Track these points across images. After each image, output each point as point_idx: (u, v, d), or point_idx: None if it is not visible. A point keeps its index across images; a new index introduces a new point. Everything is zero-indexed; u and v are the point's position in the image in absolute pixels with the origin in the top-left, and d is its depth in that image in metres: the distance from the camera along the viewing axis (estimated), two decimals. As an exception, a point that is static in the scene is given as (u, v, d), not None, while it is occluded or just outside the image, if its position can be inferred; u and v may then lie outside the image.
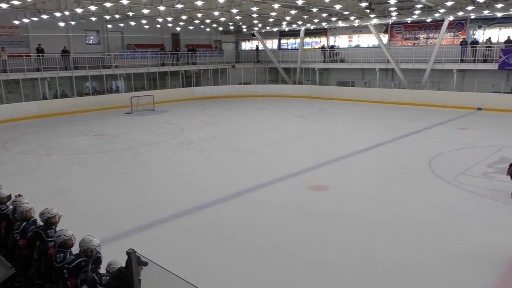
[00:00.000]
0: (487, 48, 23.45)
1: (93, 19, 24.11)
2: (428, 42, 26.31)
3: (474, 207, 8.79)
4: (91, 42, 28.11)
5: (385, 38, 27.90)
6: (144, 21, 25.86)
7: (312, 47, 32.69)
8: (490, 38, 23.97)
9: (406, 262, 6.51)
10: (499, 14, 21.49)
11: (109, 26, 27.68)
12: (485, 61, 23.34)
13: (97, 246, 4.27)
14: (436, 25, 25.01)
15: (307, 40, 32.30)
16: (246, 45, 37.36)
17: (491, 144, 14.33)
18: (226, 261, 6.63)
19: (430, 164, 12.02)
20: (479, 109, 22.41)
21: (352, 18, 24.67)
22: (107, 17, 25.05)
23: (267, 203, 9.15)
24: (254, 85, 32.21)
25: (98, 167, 12.30)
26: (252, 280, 6.05)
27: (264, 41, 32.95)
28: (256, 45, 35.43)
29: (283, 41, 34.94)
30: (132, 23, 26.14)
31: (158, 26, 28.41)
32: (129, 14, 23.07)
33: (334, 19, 26.20)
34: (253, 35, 33.02)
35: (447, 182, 10.40)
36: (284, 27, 29.17)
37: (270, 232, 7.65)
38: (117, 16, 24.61)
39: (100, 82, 26.77)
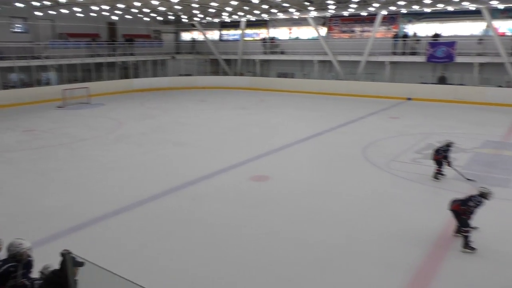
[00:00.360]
0: (416, 42, 24.97)
1: (19, 5, 22.52)
2: (364, 35, 27.43)
3: (404, 191, 9.41)
4: (18, 30, 26.17)
5: (323, 30, 28.68)
6: (77, 9, 24.51)
7: (253, 38, 32.85)
8: (415, 33, 25.56)
9: (342, 244, 6.87)
10: (427, 10, 22.95)
11: (38, 13, 25.90)
12: (414, 54, 24.84)
13: (27, 249, 4.08)
14: (371, 19, 26.04)
15: (248, 31, 32.37)
16: (186, 36, 36.72)
17: (419, 131, 15.36)
18: (168, 256, 6.58)
19: (364, 151, 12.65)
20: (409, 99, 23.85)
21: (291, 10, 25.09)
22: (36, 3, 23.40)
23: (209, 195, 9.17)
24: (194, 77, 31.84)
25: (28, 165, 11.60)
26: (194, 274, 6.07)
27: (205, 32, 32.60)
28: (192, 37, 35.02)
29: (224, 32, 34.75)
30: (65, 11, 24.67)
31: (93, 14, 27.06)
32: (60, 1, 21.77)
33: (274, 11, 26.49)
34: (193, 25, 32.55)
35: (380, 168, 11.03)
36: (225, 18, 29.02)
37: (212, 224, 7.69)
38: (47, 3, 23.11)
39: (29, 73, 25.03)
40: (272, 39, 31.41)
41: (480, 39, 23.12)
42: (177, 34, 36.45)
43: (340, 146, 13.46)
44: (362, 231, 7.40)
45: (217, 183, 10.04)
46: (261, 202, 8.75)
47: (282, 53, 30.34)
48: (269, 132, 15.80)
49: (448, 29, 24.76)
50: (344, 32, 28.73)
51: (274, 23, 31.47)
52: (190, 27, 34.11)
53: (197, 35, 34.82)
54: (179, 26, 34.86)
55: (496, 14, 22.30)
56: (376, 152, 12.62)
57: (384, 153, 12.47)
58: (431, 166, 10.21)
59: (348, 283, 5.82)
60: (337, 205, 8.61)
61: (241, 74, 31.82)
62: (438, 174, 10.00)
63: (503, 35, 22.69)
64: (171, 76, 31.69)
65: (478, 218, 6.66)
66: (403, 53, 25.18)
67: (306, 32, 29.99)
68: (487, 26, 22.35)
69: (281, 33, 31.65)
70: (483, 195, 6.68)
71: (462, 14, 23.55)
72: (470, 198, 6.67)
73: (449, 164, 9.91)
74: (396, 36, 25.87)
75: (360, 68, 26.07)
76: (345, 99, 24.71)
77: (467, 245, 6.57)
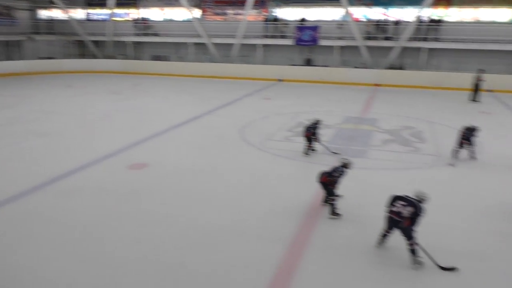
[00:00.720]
0: (285, 25, 26.36)
1: None
2: (237, 18, 27.95)
3: (278, 168, 9.99)
4: None
5: (197, 12, 28.42)
6: None
7: (124, 18, 31.04)
8: (279, 16, 26.95)
9: (224, 224, 7.06)
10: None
11: None
12: (283, 37, 26.21)
13: None
14: (242, 2, 26.57)
15: (118, 11, 30.44)
16: (45, 14, 32.93)
17: (290, 111, 16.42)
18: (37, 259, 5.99)
19: (241, 132, 13.07)
20: (280, 80, 25.22)
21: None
22: None
23: (83, 188, 8.54)
24: (58, 60, 28.89)
25: None
26: (69, 276, 5.65)
27: (68, 10, 29.70)
28: (50, 15, 31.72)
29: (90, 11, 32.10)
30: None
31: None
32: None
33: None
34: (53, 2, 29.36)
35: (256, 148, 11.53)
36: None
37: (89, 219, 7.21)
38: None
39: None
40: (145, 19, 30.09)
41: (340, 24, 25.39)
42: (33, 11, 32.45)
43: (218, 128, 13.67)
44: (242, 209, 7.69)
45: (91, 175, 9.38)
46: (141, 191, 8.47)
47: (155, 34, 29.31)
48: (146, 117, 15.27)
49: (312, 13, 26.65)
50: (217, 14, 28.92)
51: (145, 2, 30.20)
52: (49, 4, 30.68)
53: (59, 13, 31.50)
54: (36, 2, 31.12)
55: (352, 1, 24.68)
56: (252, 132, 13.14)
57: (260, 132, 13.05)
58: (302, 143, 11.02)
59: (231, 261, 6.02)
60: (217, 186, 8.78)
61: (112, 57, 29.92)
62: (308, 150, 10.84)
63: (358, 20, 25.26)
64: (29, 59, 28.27)
65: (341, 187, 7.43)
66: (273, 36, 26.42)
67: (180, 13, 29.41)
68: (345, 12, 24.61)
69: (154, 14, 30.49)
70: (345, 166, 7.46)
71: (324, 0, 25.56)
72: (334, 169, 7.39)
73: (317, 140, 10.83)
74: (266, 20, 26.95)
75: (234, 50, 26.61)
76: (221, 81, 25.07)
77: (333, 212, 7.31)
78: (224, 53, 27.20)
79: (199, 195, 8.32)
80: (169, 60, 29.05)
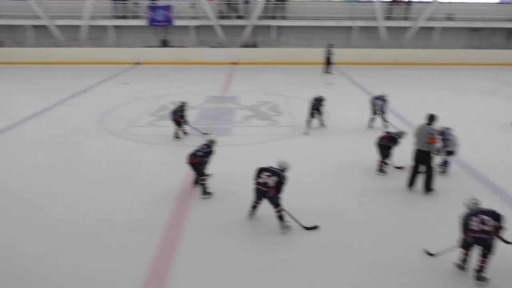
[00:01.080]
0: (135, 5, 25.07)
1: None
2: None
3: (145, 154, 9.71)
4: None
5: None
6: None
7: None
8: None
9: (93, 220, 6.67)
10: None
11: None
12: (136, 17, 24.99)
13: None
14: (84, -21, 24.36)
15: None
16: None
17: (151, 95, 15.95)
18: None
19: (100, 121, 12.27)
20: (137, 63, 24.16)
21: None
22: None
23: None
24: None
25: None
26: None
27: None
28: None
29: None
30: None
31: None
32: None
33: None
34: None
35: (119, 136, 10.98)
36: None
37: None
38: None
39: None
40: (-37, -1, 25.45)
41: (192, 3, 25.20)
42: None
43: (73, 119, 12.56)
44: (110, 202, 7.34)
45: None
46: (-14, 199, 7.41)
47: (-20, 16, 25.11)
48: (-19, 114, 13.21)
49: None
50: (59, -7, 26.01)
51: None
52: None
53: None
54: None
55: (202, -20, 24.67)
56: (113, 120, 12.44)
57: (121, 120, 12.42)
58: (168, 126, 10.87)
59: (103, 259, 5.74)
60: (80, 183, 8.16)
61: None
62: (179, 133, 10.73)
63: (211, 0, 25.42)
64: None
65: (210, 166, 7.60)
66: (125, 17, 25.01)
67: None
68: (197, -8, 24.51)
69: (-25, -8, 25.96)
70: (208, 144, 7.59)
71: (173, -21, 25.01)
72: (198, 149, 7.46)
73: (186, 122, 10.79)
74: (115, -1, 25.29)
75: (82, 33, 24.47)
76: (71, 67, 22.88)
77: (205, 192, 7.46)
78: (71, 36, 24.77)
79: (59, 195, 7.63)
80: (3, 46, 25.24)
